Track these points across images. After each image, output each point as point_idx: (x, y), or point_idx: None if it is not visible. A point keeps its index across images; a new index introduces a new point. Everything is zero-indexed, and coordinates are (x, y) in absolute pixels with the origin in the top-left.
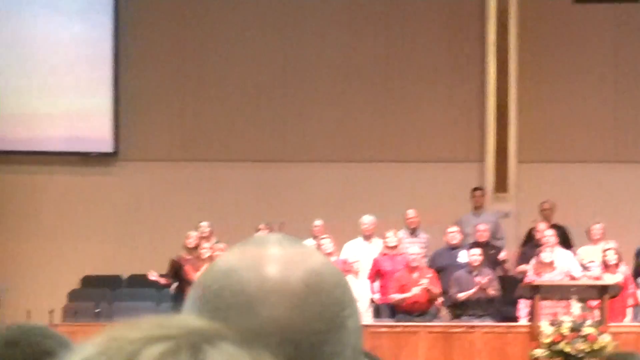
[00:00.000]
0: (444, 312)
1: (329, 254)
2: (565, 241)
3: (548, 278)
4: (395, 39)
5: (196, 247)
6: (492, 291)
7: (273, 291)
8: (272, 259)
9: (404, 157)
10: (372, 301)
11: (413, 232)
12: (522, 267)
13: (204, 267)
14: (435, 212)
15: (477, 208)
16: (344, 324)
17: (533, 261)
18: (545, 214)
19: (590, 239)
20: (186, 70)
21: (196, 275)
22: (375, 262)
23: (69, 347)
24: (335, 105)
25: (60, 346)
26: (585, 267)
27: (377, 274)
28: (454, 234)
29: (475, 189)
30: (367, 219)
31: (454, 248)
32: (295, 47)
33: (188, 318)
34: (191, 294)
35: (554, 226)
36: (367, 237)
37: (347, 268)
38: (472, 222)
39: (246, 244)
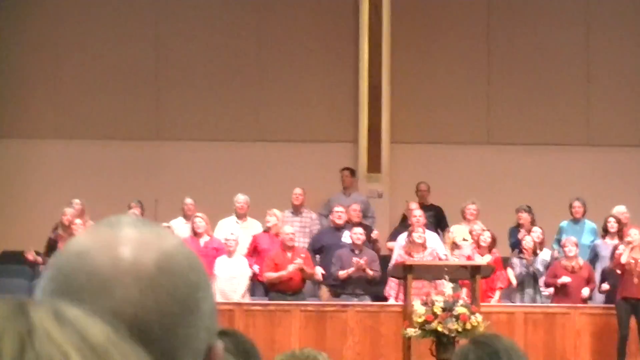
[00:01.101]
0: (324, 291)
1: (202, 232)
2: (441, 222)
3: (418, 258)
4: (269, 19)
5: (69, 225)
6: (372, 271)
7: (126, 273)
8: (125, 241)
9: (280, 136)
10: (251, 279)
11: (297, 210)
12: (390, 244)
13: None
14: (309, 191)
15: (346, 188)
16: (198, 307)
17: (403, 241)
18: (422, 194)
19: (464, 219)
20: (61, 52)
21: None
22: (254, 240)
23: None
24: (211, 84)
25: None
26: (457, 246)
27: (254, 252)
28: (339, 214)
29: (344, 169)
30: (241, 198)
31: (338, 228)
32: (168, 24)
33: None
34: (45, 275)
35: (430, 207)
36: (241, 216)
37: (221, 247)
38: (341, 202)
39: (100, 226)
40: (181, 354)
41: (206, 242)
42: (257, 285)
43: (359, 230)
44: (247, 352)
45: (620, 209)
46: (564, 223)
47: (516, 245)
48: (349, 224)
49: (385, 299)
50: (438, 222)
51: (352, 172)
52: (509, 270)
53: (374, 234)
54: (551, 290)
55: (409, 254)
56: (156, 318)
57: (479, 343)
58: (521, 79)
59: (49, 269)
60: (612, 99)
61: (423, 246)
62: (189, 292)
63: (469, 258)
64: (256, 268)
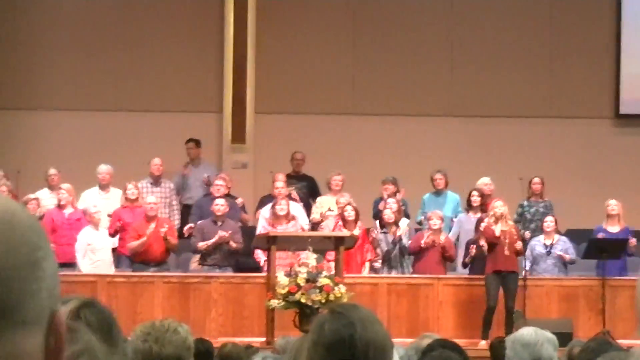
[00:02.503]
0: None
1: (67, 204)
2: (314, 192)
3: (282, 229)
4: None
5: None
6: (235, 244)
7: None
8: None
9: (143, 106)
10: (114, 251)
11: (156, 181)
12: (262, 220)
13: None
14: (172, 161)
15: (193, 159)
16: (39, 264)
17: (267, 213)
18: (297, 163)
19: (330, 190)
20: None
21: None
22: (115, 214)
23: None
24: (75, 54)
25: None
26: (323, 217)
27: (117, 225)
28: (219, 187)
29: (188, 141)
30: (103, 168)
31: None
32: None
33: None
34: None
35: (304, 177)
36: (103, 187)
37: (88, 218)
38: (193, 176)
39: None
40: (25, 309)
41: (70, 214)
42: (123, 259)
43: (221, 201)
44: (107, 323)
45: (484, 180)
46: (426, 195)
47: (378, 216)
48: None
49: (250, 269)
50: (311, 192)
51: (197, 143)
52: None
53: (239, 201)
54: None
55: (273, 226)
56: None
57: (336, 313)
58: (385, 49)
59: None
60: (474, 69)
61: (286, 217)
62: (29, 250)
63: (334, 229)
64: (116, 241)
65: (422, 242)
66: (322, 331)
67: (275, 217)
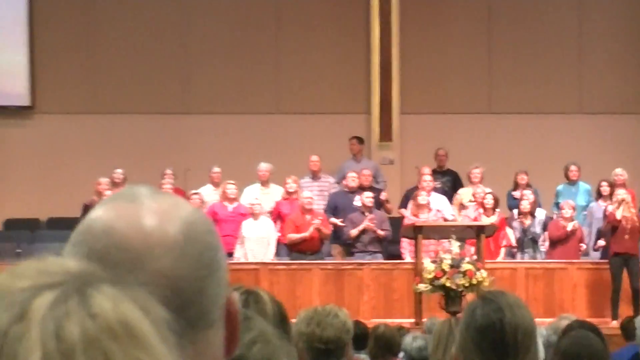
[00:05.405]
0: (336, 250)
1: (234, 198)
2: (457, 185)
3: (424, 219)
4: (285, 2)
5: (101, 194)
6: (382, 231)
7: (155, 245)
8: (148, 213)
9: (299, 109)
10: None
11: (315, 176)
12: (402, 210)
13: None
14: (325, 159)
15: (355, 155)
16: (220, 266)
17: (410, 204)
18: (440, 159)
19: (470, 182)
20: (94, 30)
21: None
22: (276, 206)
23: None
24: (234, 61)
25: None
26: (464, 206)
27: (277, 216)
28: (353, 178)
29: (352, 138)
30: (263, 166)
31: (352, 192)
32: (195, 8)
33: (65, 261)
34: (72, 251)
35: (447, 171)
36: (264, 183)
37: (247, 211)
38: (352, 168)
39: (117, 200)
40: (212, 310)
41: (234, 208)
42: (280, 247)
43: (368, 194)
44: (277, 310)
45: (617, 171)
46: (560, 186)
47: (514, 206)
48: (360, 189)
49: (399, 257)
50: (454, 185)
51: (360, 140)
52: (508, 230)
53: (383, 196)
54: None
55: (416, 215)
56: (188, 283)
57: (486, 299)
58: (519, 54)
59: (77, 245)
60: (604, 69)
61: (427, 207)
62: (212, 255)
63: (475, 219)
64: (274, 231)
65: (568, 229)
66: (474, 316)
67: (417, 207)
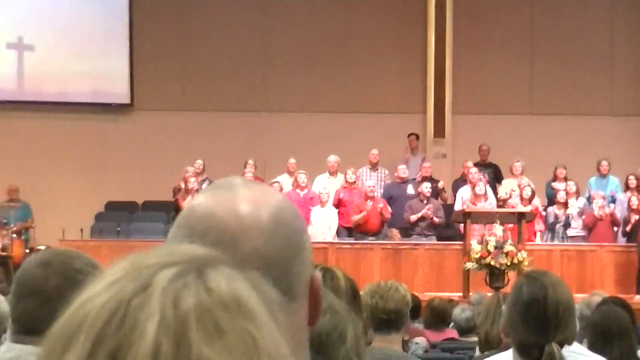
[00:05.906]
0: (393, 232)
1: (305, 186)
2: (498, 177)
3: (480, 207)
4: (353, 15)
5: (187, 181)
6: (437, 219)
7: (250, 227)
8: (243, 200)
9: (362, 108)
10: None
11: (374, 167)
12: (459, 200)
13: (187, 201)
14: (386, 153)
15: (413, 149)
16: (305, 247)
17: (465, 193)
18: (483, 153)
19: (512, 174)
20: (186, 39)
21: (184, 204)
22: (337, 193)
23: (96, 266)
24: (308, 67)
25: (88, 265)
26: (508, 195)
27: (338, 203)
28: (404, 170)
29: (410, 135)
30: (332, 158)
31: (403, 182)
32: (274, 17)
33: (192, 247)
34: (177, 232)
35: (489, 164)
36: (332, 173)
37: (316, 198)
38: (410, 162)
39: (216, 188)
40: (296, 287)
41: (304, 194)
42: (341, 230)
43: (428, 184)
44: (349, 285)
45: None
46: (592, 179)
47: (552, 195)
48: (412, 179)
49: (449, 238)
50: (495, 177)
51: (417, 137)
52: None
53: (440, 184)
54: (578, 231)
55: (474, 203)
56: (277, 262)
57: (531, 278)
58: (557, 62)
59: (181, 227)
60: (633, 76)
61: (484, 196)
62: (298, 238)
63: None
64: (336, 216)
65: (600, 215)
66: (520, 292)
67: (475, 196)
